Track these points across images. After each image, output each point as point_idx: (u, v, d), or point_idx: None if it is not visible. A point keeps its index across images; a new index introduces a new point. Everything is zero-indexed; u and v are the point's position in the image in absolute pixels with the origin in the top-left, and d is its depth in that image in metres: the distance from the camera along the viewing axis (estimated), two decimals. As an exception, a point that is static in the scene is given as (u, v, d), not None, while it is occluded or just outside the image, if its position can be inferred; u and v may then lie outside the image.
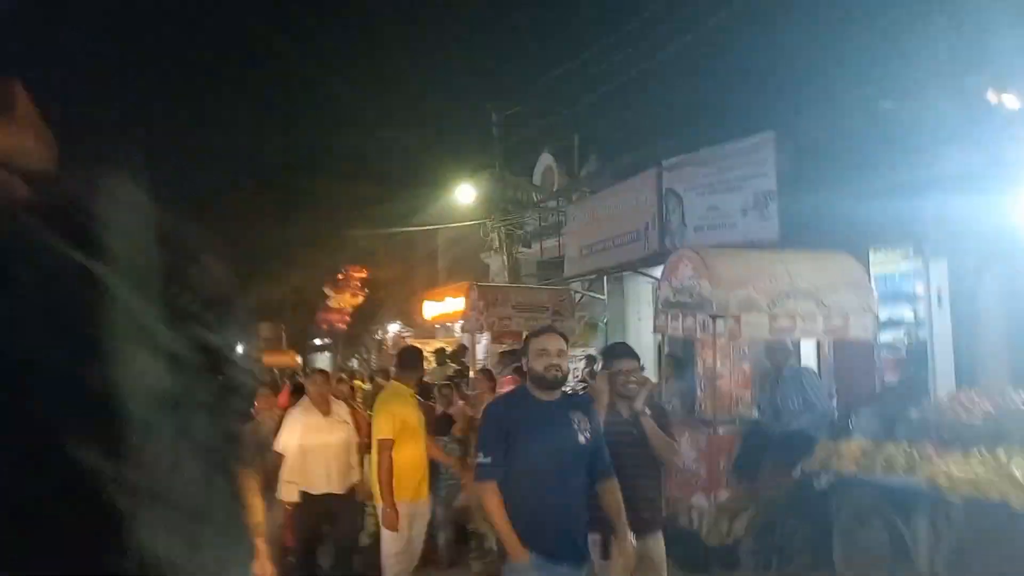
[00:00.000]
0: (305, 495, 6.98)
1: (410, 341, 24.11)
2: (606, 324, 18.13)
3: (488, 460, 3.94)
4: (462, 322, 12.58)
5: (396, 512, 6.20)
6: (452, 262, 29.26)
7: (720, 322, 7.26)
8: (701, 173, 12.53)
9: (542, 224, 20.13)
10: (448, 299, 27.36)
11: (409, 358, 7.07)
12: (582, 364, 18.19)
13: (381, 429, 6.38)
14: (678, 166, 13.09)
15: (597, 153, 19.80)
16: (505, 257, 18.93)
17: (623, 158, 16.87)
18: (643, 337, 18.32)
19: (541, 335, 4.38)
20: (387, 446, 6.29)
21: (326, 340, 43.36)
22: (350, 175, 28.55)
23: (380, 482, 6.26)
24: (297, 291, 33.21)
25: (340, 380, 19.87)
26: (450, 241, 29.67)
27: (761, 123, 11.92)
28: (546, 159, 22.57)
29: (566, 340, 4.42)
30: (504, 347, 11.86)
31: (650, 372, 14.21)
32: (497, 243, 19.05)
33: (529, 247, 19.42)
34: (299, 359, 31.16)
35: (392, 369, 15.43)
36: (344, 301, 26.40)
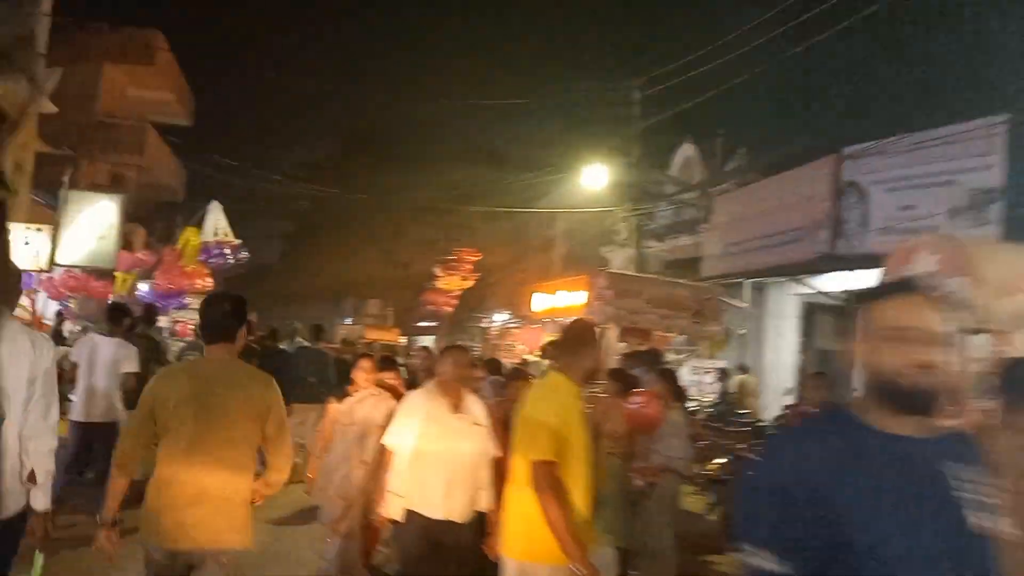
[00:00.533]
0: (413, 516, 4.68)
1: (517, 332, 22.50)
2: (741, 336, 15.97)
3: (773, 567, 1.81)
4: (586, 312, 10.67)
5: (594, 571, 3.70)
6: (568, 254, 27.46)
7: (975, 338, 5.11)
8: (894, 164, 10.27)
9: (677, 219, 18.05)
10: (560, 292, 25.67)
11: (582, 336, 4.33)
12: (709, 378, 16.09)
13: (537, 444, 3.90)
14: (863, 155, 10.85)
15: (748, 145, 17.55)
16: (633, 251, 16.94)
17: (783, 148, 14.62)
18: (782, 355, 16.06)
19: (891, 296, 1.96)
20: (548, 472, 3.85)
21: (430, 323, 42.38)
22: (471, 151, 27.08)
23: (553, 527, 3.74)
24: (406, 269, 32.10)
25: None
26: (568, 232, 27.90)
27: (978, 106, 9.59)
28: (686, 150, 20.42)
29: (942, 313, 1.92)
30: (635, 345, 9.91)
31: (787, 396, 12.08)
32: (625, 235, 17.09)
33: (661, 241, 17.37)
34: (402, 338, 30.07)
35: (540, 355, 13.40)
36: (453, 283, 25.00)
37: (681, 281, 11.16)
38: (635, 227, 16.90)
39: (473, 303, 30.70)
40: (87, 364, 7.25)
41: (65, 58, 26.58)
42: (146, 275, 15.25)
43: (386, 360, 8.57)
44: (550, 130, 24.15)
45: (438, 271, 25.28)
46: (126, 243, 16.01)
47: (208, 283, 15.18)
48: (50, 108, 19.68)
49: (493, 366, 9.03)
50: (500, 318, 32.06)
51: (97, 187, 32.22)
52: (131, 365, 7.35)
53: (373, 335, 26.97)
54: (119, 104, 33.53)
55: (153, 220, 28.30)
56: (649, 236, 17.34)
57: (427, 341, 43.00)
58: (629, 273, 14.23)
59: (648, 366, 9.79)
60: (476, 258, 25.45)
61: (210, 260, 14.68)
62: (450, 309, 26.41)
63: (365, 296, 52.14)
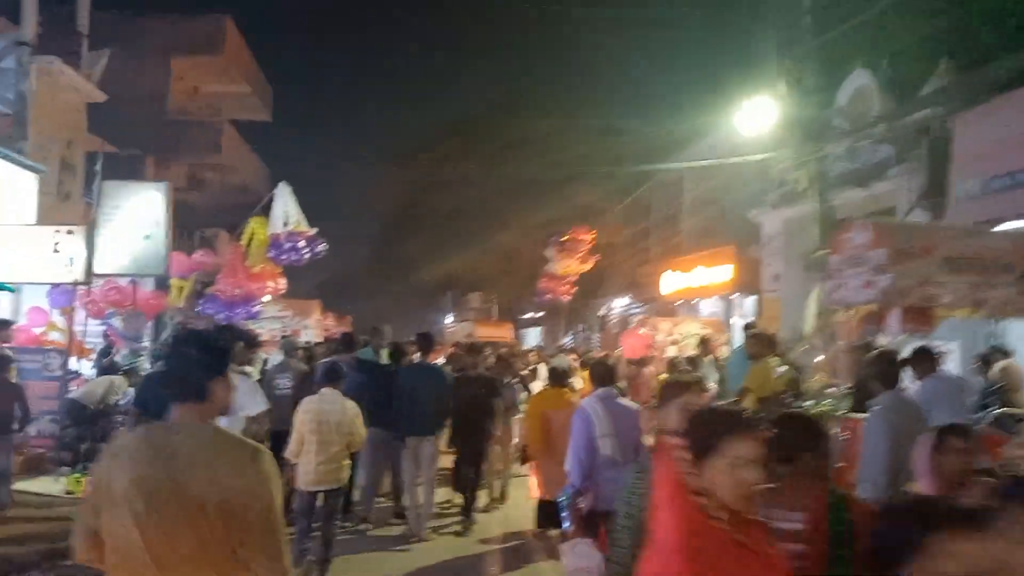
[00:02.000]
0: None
1: (648, 322, 18.80)
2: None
3: None
4: (828, 287, 6.83)
5: None
6: (701, 226, 23.54)
7: None
8: None
9: (862, 163, 13.95)
10: (699, 269, 21.85)
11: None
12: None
13: None
14: None
15: (958, 60, 13.25)
16: (808, 206, 13.00)
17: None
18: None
19: None
20: None
21: (536, 313, 38.87)
22: (578, 104, 23.38)
23: None
24: (511, 256, 28.72)
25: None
26: (699, 200, 23.96)
27: None
28: (858, 77, 16.11)
29: None
30: (921, 332, 6.17)
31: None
32: (805, 184, 13.13)
33: (864, 186, 13.28)
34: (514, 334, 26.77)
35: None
36: (569, 267, 21.45)
37: (998, 230, 7.30)
38: (815, 174, 12.90)
39: (586, 290, 27.04)
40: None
41: (128, 53, 24.56)
42: (207, 281, 12.42)
43: (556, 375, 7.52)
44: (676, 67, 20.09)
45: (551, 254, 21.72)
46: (183, 245, 13.09)
47: (281, 284, 12.16)
48: (97, 96, 17.20)
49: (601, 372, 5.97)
50: (620, 303, 28.34)
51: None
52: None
53: (484, 333, 23.73)
54: (192, 101, 31.52)
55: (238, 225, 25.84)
56: (834, 185, 13.29)
57: (534, 335, 39.69)
58: (910, 222, 10.35)
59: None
60: (592, 237, 21.77)
61: (281, 256, 11.56)
62: (567, 297, 22.86)
63: (467, 290, 49.07)
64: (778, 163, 15.01)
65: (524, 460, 8.63)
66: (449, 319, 53.87)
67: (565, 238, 21.76)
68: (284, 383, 8.90)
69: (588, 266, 21.87)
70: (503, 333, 24.03)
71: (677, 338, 17.01)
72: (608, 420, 5.29)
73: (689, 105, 19.17)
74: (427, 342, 8.87)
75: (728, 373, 10.81)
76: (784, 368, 8.85)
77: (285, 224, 11.90)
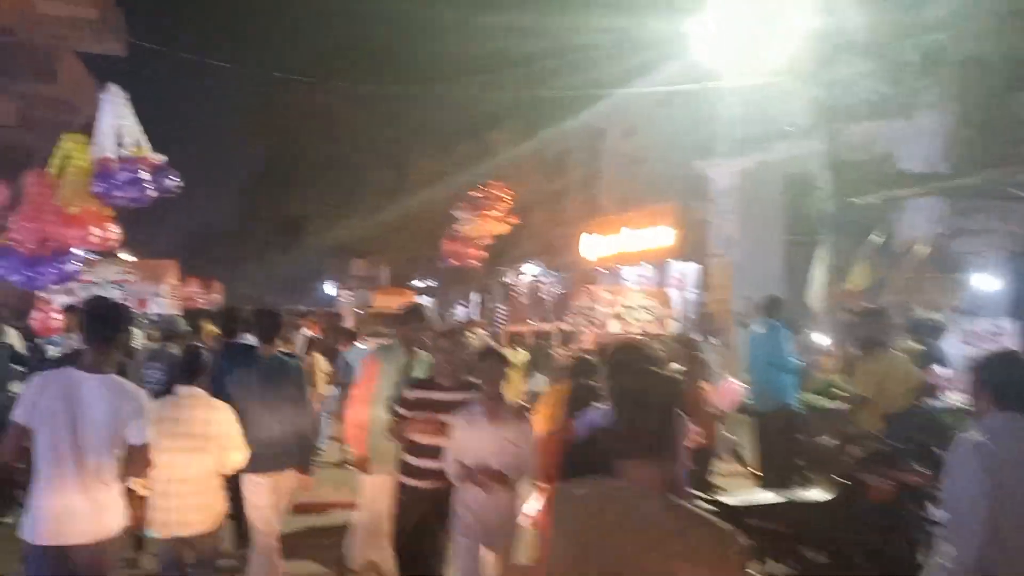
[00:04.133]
0: None
1: (584, 292, 15.98)
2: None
3: None
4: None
5: None
6: (628, 183, 20.89)
7: None
8: None
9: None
10: (626, 231, 19.13)
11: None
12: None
13: None
14: None
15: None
16: (814, 143, 10.33)
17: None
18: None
19: None
20: None
21: (428, 282, 35.58)
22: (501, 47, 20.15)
23: None
24: (406, 213, 25.31)
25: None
26: (627, 155, 21.25)
27: None
28: None
29: None
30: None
31: None
32: (809, 119, 10.40)
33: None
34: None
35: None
36: (482, 228, 18.33)
37: None
38: (825, 104, 10.20)
39: (493, 254, 23.97)
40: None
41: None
42: (-3, 225, 8.63)
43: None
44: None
45: (461, 213, 18.49)
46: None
47: (112, 233, 8.45)
48: None
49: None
50: (532, 270, 25.49)
51: (-4, 127, 25.35)
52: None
53: (383, 303, 20.37)
54: (23, 20, 26.51)
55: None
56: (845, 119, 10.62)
57: (427, 303, 36.32)
58: None
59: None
60: (509, 194, 18.68)
61: (113, 192, 7.95)
62: (475, 263, 19.75)
63: (352, 255, 44.94)
64: (754, 95, 12.34)
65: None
66: (332, 288, 49.80)
67: (479, 195, 18.59)
68: (156, 376, 6.51)
69: (505, 228, 18.80)
70: (404, 302, 20.70)
71: (620, 311, 14.25)
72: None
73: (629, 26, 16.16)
74: (270, 323, 5.62)
75: (752, 359, 8.05)
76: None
77: (119, 146, 8.28)
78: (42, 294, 12.13)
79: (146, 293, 12.38)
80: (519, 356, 12.66)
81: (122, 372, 4.33)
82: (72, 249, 8.18)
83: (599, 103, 19.43)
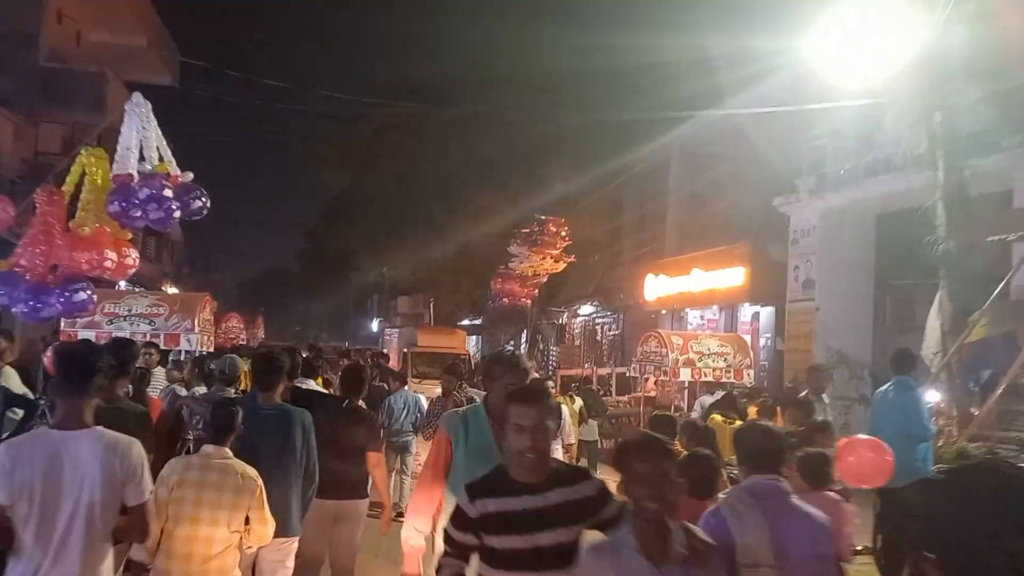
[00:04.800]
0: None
1: (653, 336, 14.60)
2: None
3: None
4: None
5: None
6: (695, 221, 19.53)
7: None
8: None
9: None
10: (697, 271, 17.67)
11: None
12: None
13: None
14: None
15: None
16: (932, 174, 8.95)
17: None
18: None
19: None
20: None
21: (475, 319, 34.36)
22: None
23: None
24: (458, 251, 24.22)
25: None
26: (692, 193, 19.84)
27: None
28: None
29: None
30: None
31: None
32: (924, 146, 9.05)
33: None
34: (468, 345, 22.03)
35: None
36: (538, 266, 17.18)
37: None
38: (947, 131, 8.83)
39: (547, 292, 22.79)
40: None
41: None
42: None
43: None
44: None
45: (516, 250, 17.34)
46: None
47: (130, 260, 7.37)
48: None
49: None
50: (586, 310, 24.15)
51: (41, 154, 24.99)
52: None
53: (428, 342, 19.15)
54: (72, 48, 26.31)
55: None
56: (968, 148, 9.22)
57: (471, 344, 35.08)
58: None
59: None
60: (565, 230, 17.52)
61: (131, 212, 6.90)
62: (528, 301, 18.59)
63: (395, 293, 44.06)
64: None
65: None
66: (376, 326, 49.00)
67: (534, 231, 17.43)
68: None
69: (561, 266, 17.63)
70: (455, 343, 19.52)
71: (692, 357, 12.87)
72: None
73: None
74: (270, 369, 4.91)
75: (878, 424, 6.66)
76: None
77: (141, 160, 7.26)
78: (67, 328, 11.20)
79: (178, 328, 11.31)
80: (574, 404, 11.39)
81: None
82: (81, 275, 7.13)
83: (662, 136, 18.22)
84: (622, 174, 20.39)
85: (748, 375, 13.09)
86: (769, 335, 15.87)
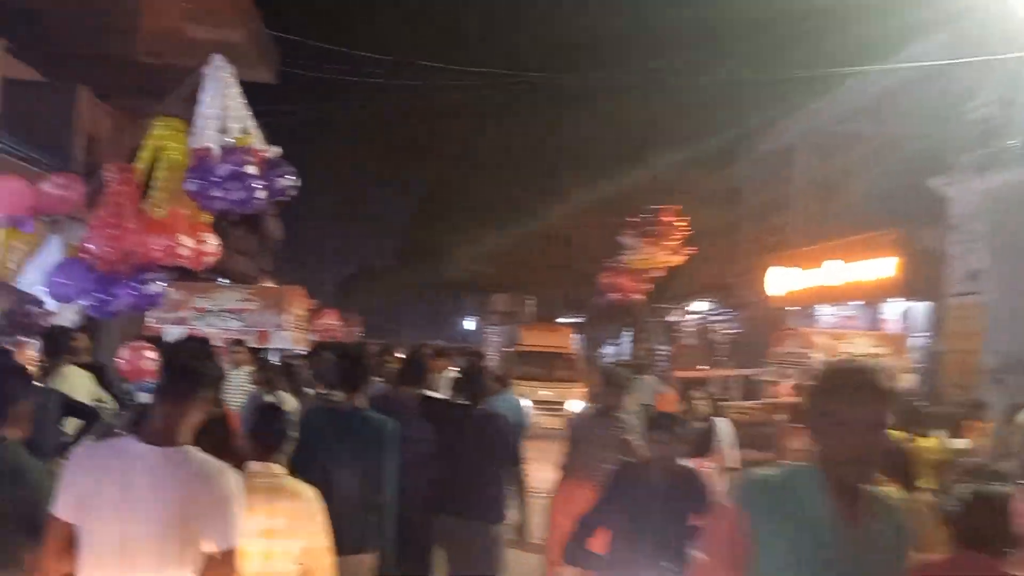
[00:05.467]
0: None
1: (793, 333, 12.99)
2: None
3: None
4: None
5: None
6: (817, 211, 17.70)
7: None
8: None
9: None
10: (830, 264, 15.82)
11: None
12: None
13: None
14: None
15: None
16: None
17: None
18: None
19: None
20: None
21: (575, 317, 32.99)
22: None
23: None
24: (562, 242, 22.97)
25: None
26: (821, 178, 18.00)
27: None
28: None
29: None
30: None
31: None
32: None
33: None
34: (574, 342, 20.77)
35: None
36: (654, 259, 15.81)
37: None
38: None
39: (656, 288, 21.19)
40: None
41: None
42: (65, 232, 6.73)
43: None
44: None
45: (630, 241, 15.96)
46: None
47: (210, 247, 6.38)
48: None
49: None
50: (700, 307, 22.51)
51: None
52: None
53: (533, 340, 18.12)
54: (167, 43, 26.31)
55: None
56: None
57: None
58: None
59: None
60: (683, 221, 16.03)
61: (210, 191, 5.89)
62: (640, 296, 17.20)
63: (493, 289, 43.14)
64: None
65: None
66: (471, 324, 48.31)
67: (649, 221, 16.01)
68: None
69: (679, 260, 16.17)
70: (561, 342, 18.33)
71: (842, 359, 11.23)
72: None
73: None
74: (352, 368, 4.17)
75: None
76: None
77: (222, 132, 6.24)
78: (151, 323, 10.41)
79: (268, 324, 10.38)
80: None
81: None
82: (154, 262, 6.16)
83: (784, 123, 16.50)
84: (740, 159, 18.74)
85: (907, 381, 11.38)
86: (925, 334, 13.99)
